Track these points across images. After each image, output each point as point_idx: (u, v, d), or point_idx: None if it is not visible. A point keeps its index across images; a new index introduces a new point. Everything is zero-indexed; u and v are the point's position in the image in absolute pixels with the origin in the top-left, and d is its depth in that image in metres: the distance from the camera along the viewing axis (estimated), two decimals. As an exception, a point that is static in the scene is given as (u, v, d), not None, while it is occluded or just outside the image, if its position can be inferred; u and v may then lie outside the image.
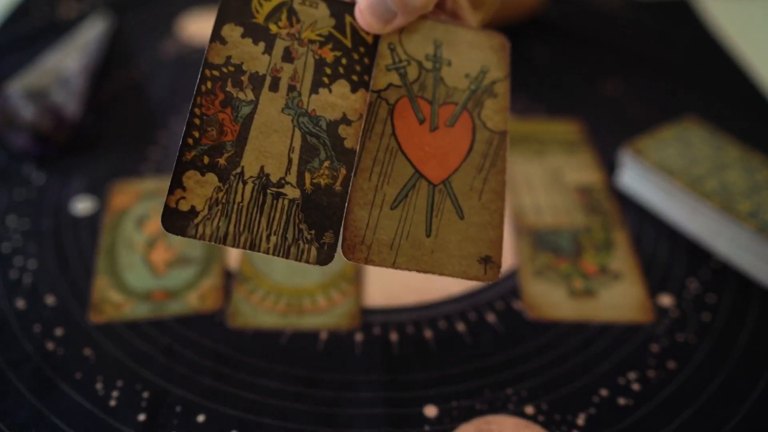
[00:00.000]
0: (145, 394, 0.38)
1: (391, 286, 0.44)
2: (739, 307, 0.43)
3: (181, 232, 0.29)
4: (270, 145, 0.31)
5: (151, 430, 0.36)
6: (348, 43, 0.33)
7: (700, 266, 0.46)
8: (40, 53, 0.63)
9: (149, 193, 0.51)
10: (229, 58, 0.31)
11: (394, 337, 0.41)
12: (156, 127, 0.58)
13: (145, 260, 0.46)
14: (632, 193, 0.51)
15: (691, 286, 0.45)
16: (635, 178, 0.50)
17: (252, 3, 0.32)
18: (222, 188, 0.30)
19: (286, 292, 0.44)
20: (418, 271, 0.31)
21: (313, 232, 0.30)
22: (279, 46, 0.32)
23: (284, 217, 0.30)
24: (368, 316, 0.43)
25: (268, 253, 0.29)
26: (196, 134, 0.30)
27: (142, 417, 0.37)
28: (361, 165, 0.32)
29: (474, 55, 0.35)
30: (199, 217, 0.29)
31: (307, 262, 0.30)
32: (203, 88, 0.31)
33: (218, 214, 0.29)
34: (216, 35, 0.32)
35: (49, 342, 0.41)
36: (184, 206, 0.29)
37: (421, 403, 0.38)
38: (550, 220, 0.49)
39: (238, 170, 0.30)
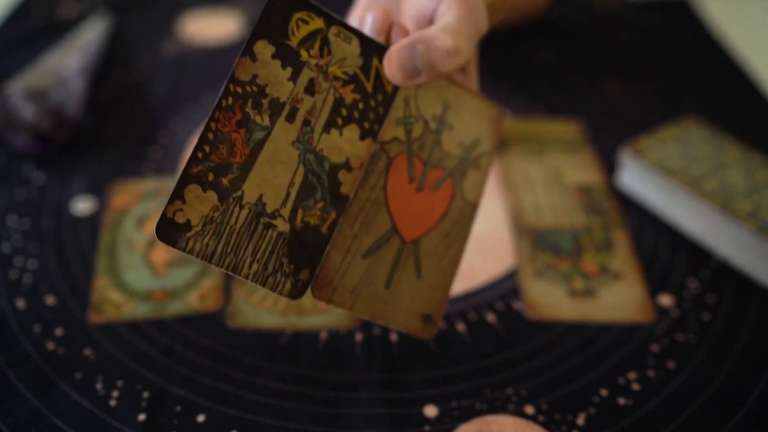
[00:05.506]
0: (145, 394, 0.38)
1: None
2: (739, 307, 0.43)
3: (172, 243, 0.29)
4: (273, 176, 0.31)
5: (151, 430, 0.36)
6: (369, 87, 0.33)
7: (700, 266, 0.46)
8: (40, 53, 0.63)
9: (149, 193, 0.51)
10: (255, 76, 0.31)
11: (394, 337, 0.41)
12: (156, 127, 0.58)
13: (145, 260, 0.46)
14: (632, 193, 0.51)
15: (691, 286, 0.45)
16: (635, 178, 0.50)
17: (290, 23, 0.32)
18: (219, 208, 0.30)
19: (286, 292, 0.44)
20: (370, 317, 0.33)
21: (292, 266, 0.31)
22: (305, 76, 0.32)
23: (269, 248, 0.31)
24: (368, 316, 0.43)
25: (247, 279, 0.31)
26: (207, 149, 0.30)
27: (142, 417, 0.37)
28: (349, 211, 0.33)
29: (472, 124, 0.36)
30: (192, 232, 0.30)
31: (280, 293, 0.31)
32: (224, 103, 0.30)
33: (210, 232, 0.30)
34: (248, 50, 0.31)
35: (49, 342, 0.41)
36: (180, 218, 0.29)
37: (421, 403, 0.38)
38: (550, 220, 0.50)
39: (238, 194, 0.31)
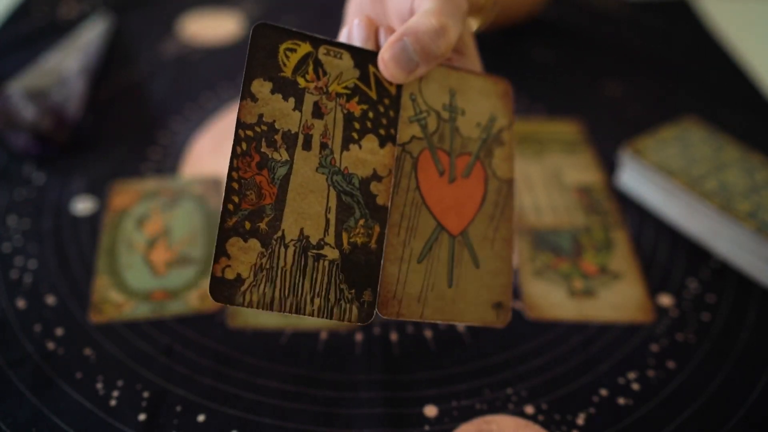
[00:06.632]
0: (146, 394, 0.38)
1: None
2: (739, 307, 0.43)
3: (229, 300, 0.29)
4: (307, 206, 0.31)
5: (151, 430, 0.36)
6: (373, 95, 0.33)
7: (700, 266, 0.46)
8: (41, 53, 0.63)
9: (149, 193, 0.51)
10: (261, 116, 0.31)
11: (394, 337, 0.41)
12: (156, 127, 0.58)
13: (145, 260, 0.46)
14: (632, 193, 0.51)
15: (691, 286, 0.45)
16: (635, 178, 0.50)
17: (278, 55, 0.32)
18: (265, 254, 0.30)
19: (286, 292, 0.44)
20: (442, 320, 0.32)
21: (353, 291, 0.31)
22: (308, 102, 0.32)
23: (326, 278, 0.31)
24: (368, 316, 0.43)
25: (313, 316, 0.30)
26: (236, 199, 0.30)
27: (142, 417, 0.37)
28: (391, 221, 0.32)
29: (483, 103, 0.35)
30: (246, 285, 0.29)
31: (350, 321, 0.31)
32: (238, 149, 0.30)
33: (263, 279, 0.30)
34: (246, 92, 0.31)
35: (50, 342, 0.41)
36: (230, 274, 0.29)
37: (421, 403, 0.38)
38: (550, 220, 0.50)
39: (279, 234, 0.30)
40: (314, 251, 0.31)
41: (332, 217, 0.31)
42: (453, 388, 0.39)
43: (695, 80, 0.65)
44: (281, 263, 0.30)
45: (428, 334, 0.42)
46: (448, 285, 0.33)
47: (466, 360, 0.40)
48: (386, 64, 0.33)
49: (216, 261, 0.29)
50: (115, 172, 0.53)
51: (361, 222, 0.32)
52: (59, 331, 0.41)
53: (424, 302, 0.32)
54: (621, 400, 0.38)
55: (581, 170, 0.54)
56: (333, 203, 0.31)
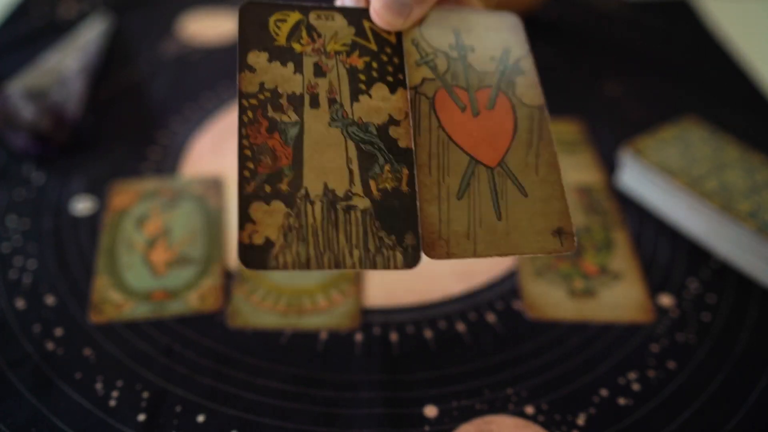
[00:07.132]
0: (145, 394, 0.38)
1: (391, 286, 0.44)
2: (739, 307, 0.43)
3: (263, 266, 0.28)
4: (327, 161, 0.30)
5: (151, 430, 0.36)
6: (373, 46, 0.33)
7: (700, 266, 0.46)
8: (40, 53, 0.63)
9: (149, 193, 0.51)
10: (262, 84, 0.31)
11: (394, 337, 0.41)
12: (156, 127, 0.58)
13: (145, 260, 0.46)
14: (632, 193, 0.51)
15: (691, 286, 0.45)
16: (635, 178, 0.50)
17: (269, 26, 0.32)
18: (291, 213, 0.29)
19: (286, 292, 0.44)
20: (499, 255, 0.31)
21: (393, 237, 0.30)
22: (308, 63, 0.32)
23: (361, 228, 0.30)
24: (368, 316, 0.43)
25: (354, 268, 0.29)
26: (251, 165, 0.29)
27: (142, 417, 0.37)
28: (418, 162, 0.32)
29: (493, 37, 0.35)
30: (277, 247, 0.28)
31: (396, 268, 0.29)
32: (245, 118, 0.30)
33: (295, 239, 0.29)
34: (243, 65, 0.31)
35: (49, 342, 0.41)
36: (258, 239, 0.28)
37: (421, 403, 0.38)
38: (550, 220, 0.49)
39: (302, 192, 0.29)
40: (343, 203, 0.30)
41: (355, 167, 0.30)
42: (453, 388, 0.39)
43: (695, 80, 0.65)
44: (310, 220, 0.29)
45: (428, 334, 0.42)
46: (497, 218, 0.31)
47: (466, 360, 0.40)
48: (379, 14, 0.33)
49: (241, 228, 0.28)
50: (115, 172, 0.53)
51: (387, 167, 0.31)
52: (59, 332, 0.41)
53: (475, 239, 0.31)
54: (621, 400, 0.38)
55: (581, 170, 0.54)
56: (353, 153, 0.31)
